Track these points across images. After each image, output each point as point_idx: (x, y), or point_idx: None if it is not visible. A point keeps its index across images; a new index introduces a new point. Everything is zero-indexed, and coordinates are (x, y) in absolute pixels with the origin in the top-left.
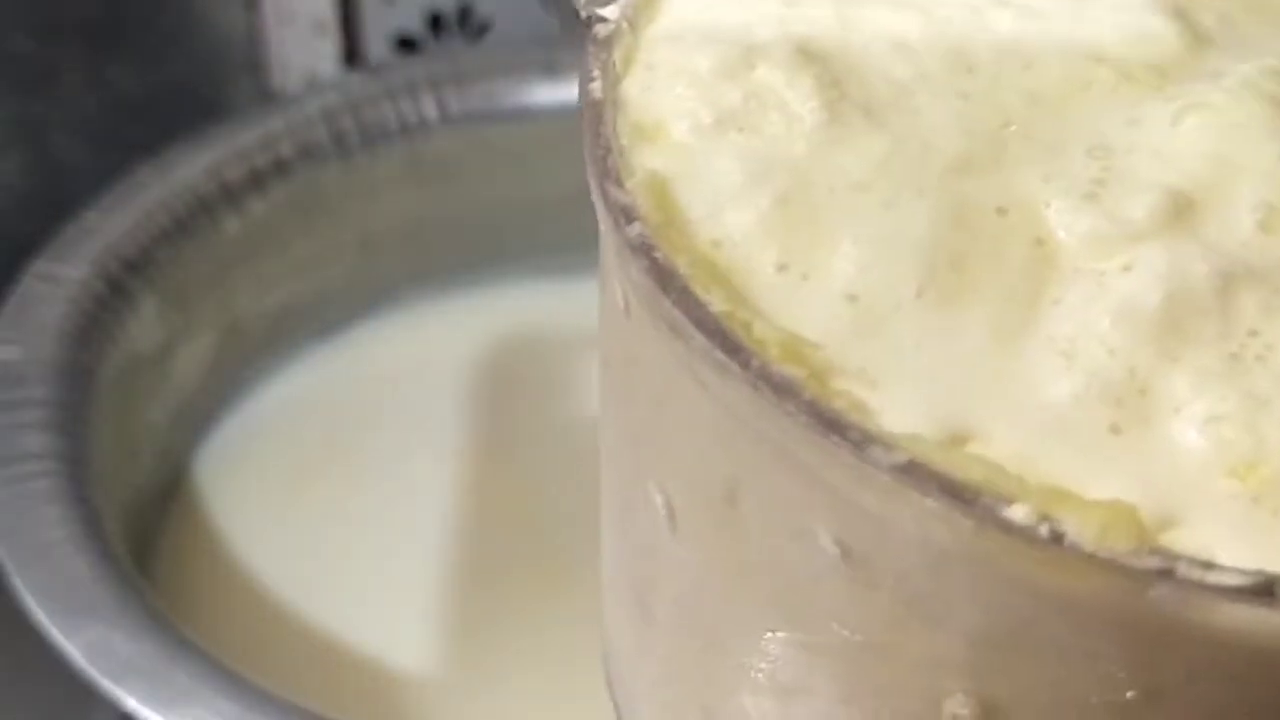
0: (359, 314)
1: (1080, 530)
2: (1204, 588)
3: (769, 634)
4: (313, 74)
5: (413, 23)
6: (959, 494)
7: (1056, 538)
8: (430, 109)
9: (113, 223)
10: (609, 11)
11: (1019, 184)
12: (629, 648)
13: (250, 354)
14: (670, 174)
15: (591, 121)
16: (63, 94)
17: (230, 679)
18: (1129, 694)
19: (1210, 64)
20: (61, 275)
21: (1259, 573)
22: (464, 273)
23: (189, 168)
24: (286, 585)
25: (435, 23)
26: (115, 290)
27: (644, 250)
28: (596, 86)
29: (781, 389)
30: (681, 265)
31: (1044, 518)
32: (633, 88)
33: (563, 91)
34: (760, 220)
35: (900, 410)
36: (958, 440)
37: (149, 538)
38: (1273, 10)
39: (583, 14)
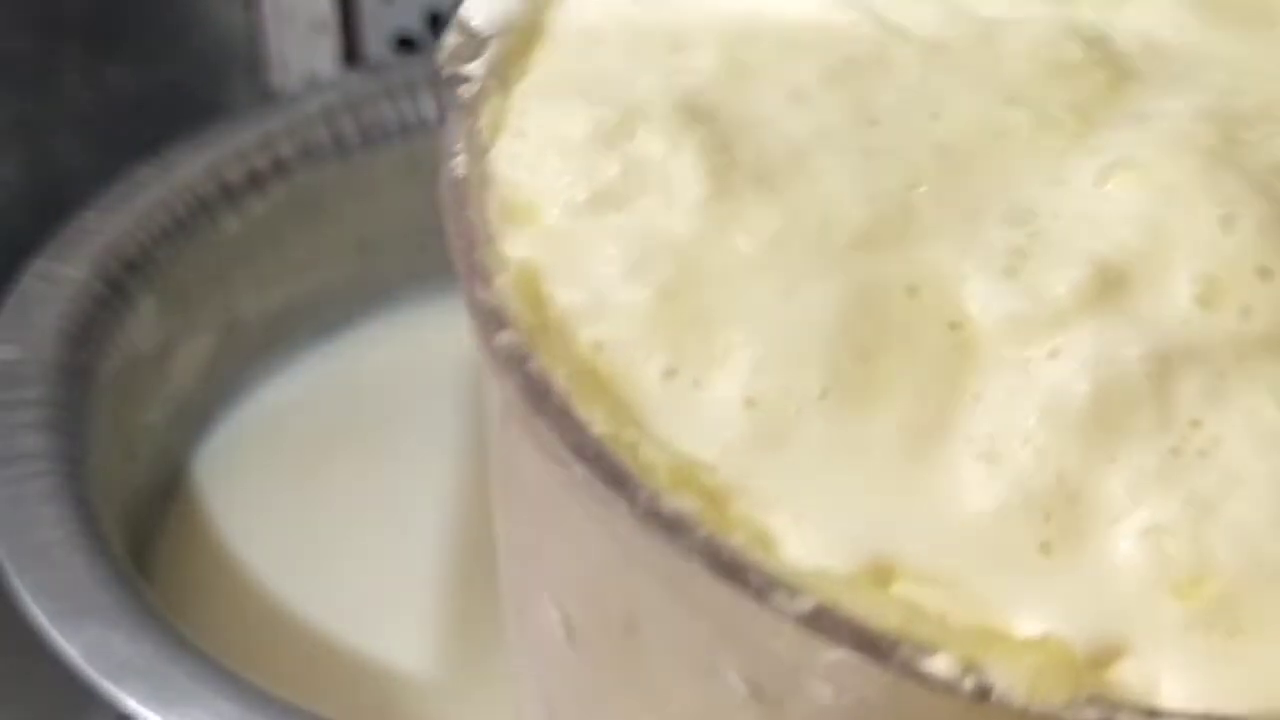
0: (358, 314)
1: (1010, 682)
2: None
3: None
4: (312, 73)
5: (412, 22)
6: (874, 644)
7: (983, 692)
8: (430, 109)
9: (112, 222)
10: (473, 69)
11: (931, 258)
12: None
13: (249, 354)
14: (543, 264)
15: (454, 206)
16: (62, 93)
17: (229, 679)
18: None
19: (1135, 101)
20: (60, 275)
21: (1206, 718)
22: None
23: (188, 167)
24: (286, 585)
25: (435, 22)
26: (114, 290)
27: (516, 363)
28: (459, 163)
29: (673, 526)
30: (559, 378)
31: (969, 668)
32: (501, 159)
33: None
34: (645, 317)
35: (807, 537)
36: (873, 569)
37: (148, 538)
38: (1196, 28)
39: (444, 75)
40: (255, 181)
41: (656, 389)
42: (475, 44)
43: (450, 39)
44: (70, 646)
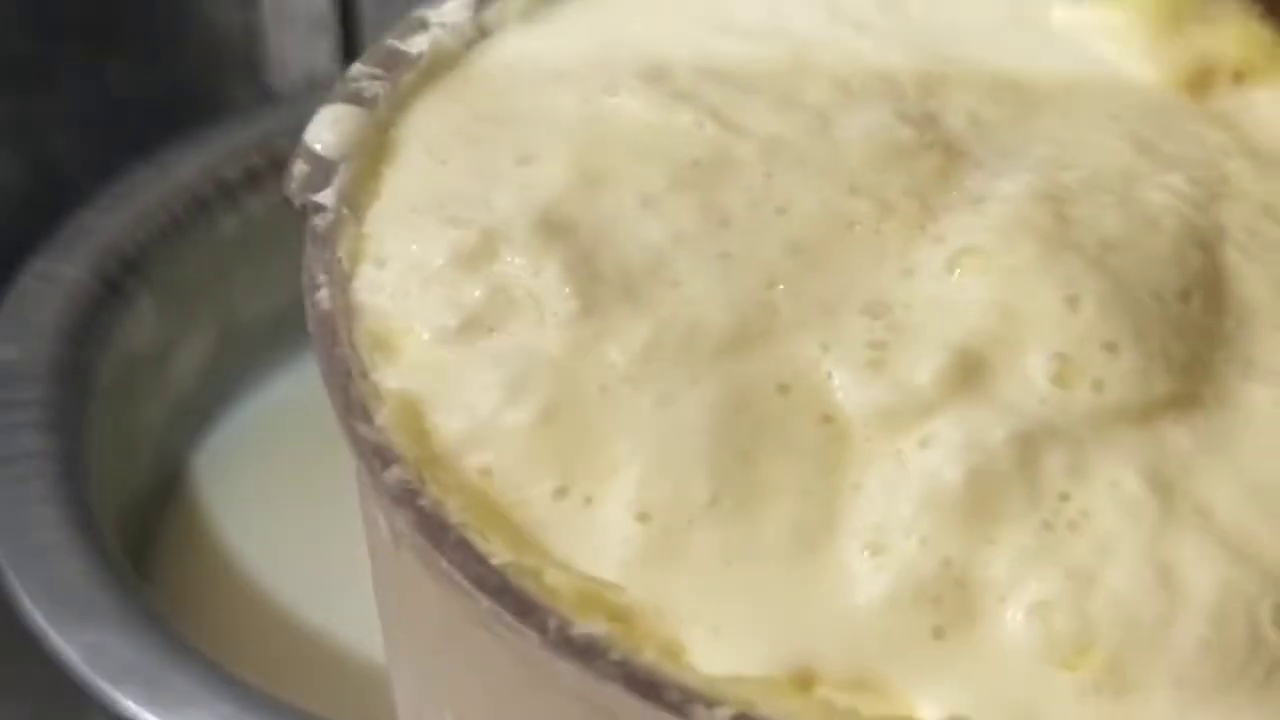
0: None
1: None
2: None
3: None
4: (311, 73)
5: None
6: None
7: None
8: None
9: (110, 222)
10: (325, 197)
11: (797, 355)
12: None
13: (248, 354)
14: (422, 394)
15: (324, 341)
16: (61, 93)
17: (228, 681)
18: None
19: (970, 182)
20: (59, 274)
21: None
22: None
23: (187, 167)
24: (284, 586)
25: None
26: (113, 290)
27: (409, 499)
28: (324, 296)
29: (587, 651)
30: (454, 511)
31: None
32: (365, 290)
33: None
34: (529, 440)
35: (717, 646)
36: (784, 671)
37: (146, 538)
38: (1015, 100)
39: (296, 203)
40: (253, 181)
41: (550, 511)
42: (324, 170)
43: (297, 167)
44: (69, 648)
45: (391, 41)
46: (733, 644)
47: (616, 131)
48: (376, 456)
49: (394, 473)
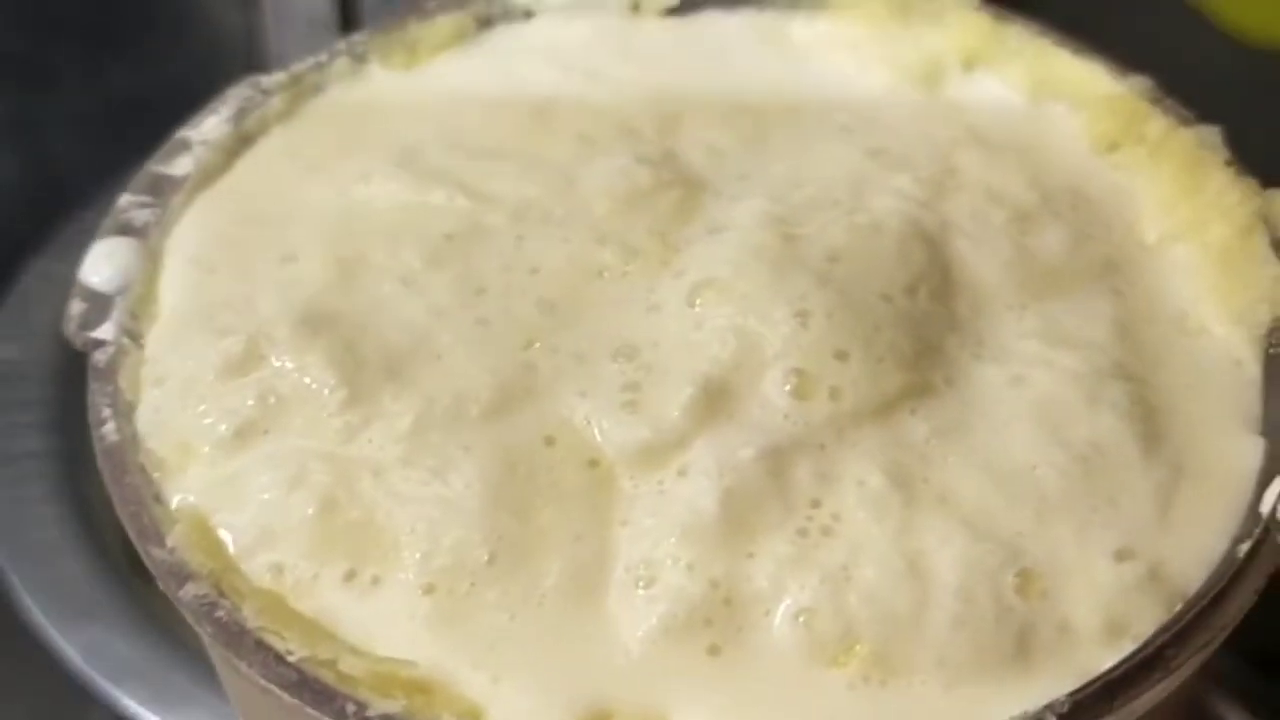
0: None
1: None
2: None
3: None
4: None
5: None
6: None
7: None
8: None
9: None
10: (104, 332)
11: (558, 407)
12: None
13: None
14: (208, 505)
15: (113, 473)
16: (61, 93)
17: None
18: None
19: (709, 213)
20: (59, 274)
21: None
22: None
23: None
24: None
25: None
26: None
27: (205, 614)
28: (109, 430)
29: None
30: (249, 615)
31: None
32: (146, 413)
33: None
34: (311, 531)
35: (513, 703)
36: (579, 713)
37: None
38: (751, 125)
39: (77, 344)
40: None
41: (341, 597)
42: (101, 305)
43: (74, 306)
44: (70, 647)
45: (156, 168)
46: (527, 697)
47: (371, 218)
48: (171, 576)
49: (188, 589)
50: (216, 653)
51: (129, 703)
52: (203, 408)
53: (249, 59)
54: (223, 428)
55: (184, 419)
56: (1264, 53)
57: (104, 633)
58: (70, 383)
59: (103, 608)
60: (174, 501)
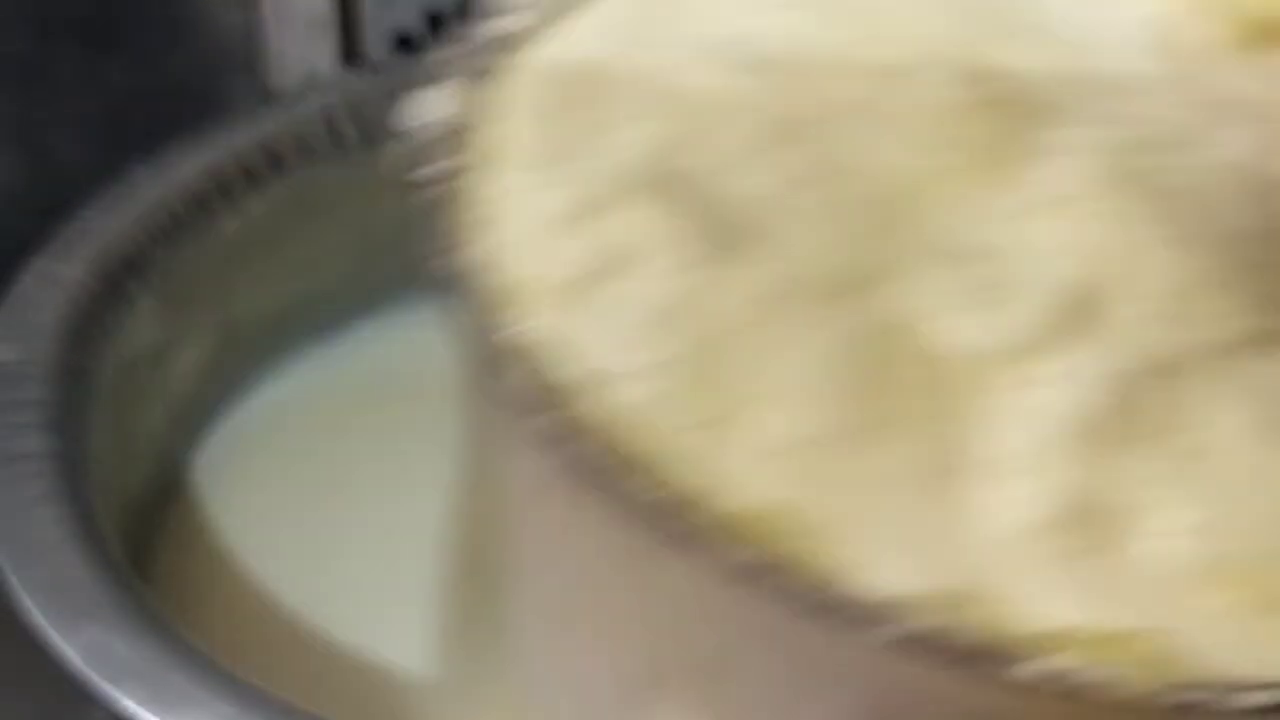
0: (357, 314)
1: (1088, 676)
2: (1234, 713)
3: None
4: (311, 73)
5: (412, 22)
6: (972, 658)
7: (1069, 688)
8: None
9: (110, 222)
10: (443, 167)
11: (911, 297)
12: None
13: (248, 354)
14: (557, 342)
15: (462, 299)
16: (60, 93)
17: (228, 680)
18: None
19: (1045, 137)
20: (59, 275)
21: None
22: None
23: (187, 167)
24: (285, 586)
25: (434, 21)
26: (113, 290)
27: (561, 443)
28: (457, 257)
29: (755, 574)
30: (606, 450)
31: (1052, 672)
32: (494, 249)
33: None
34: (670, 377)
35: (877, 567)
36: (933, 589)
37: (147, 538)
38: (1074, 61)
39: (416, 176)
40: (254, 181)
41: (696, 438)
42: (440, 141)
43: (412, 142)
44: (69, 648)
45: (480, 29)
46: (890, 567)
47: (701, 100)
48: (524, 406)
49: (543, 420)
50: (555, 499)
51: (128, 703)
52: (554, 248)
53: (248, 59)
54: (574, 269)
55: (535, 258)
56: None
57: (103, 633)
58: (69, 383)
59: (102, 608)
60: (523, 337)
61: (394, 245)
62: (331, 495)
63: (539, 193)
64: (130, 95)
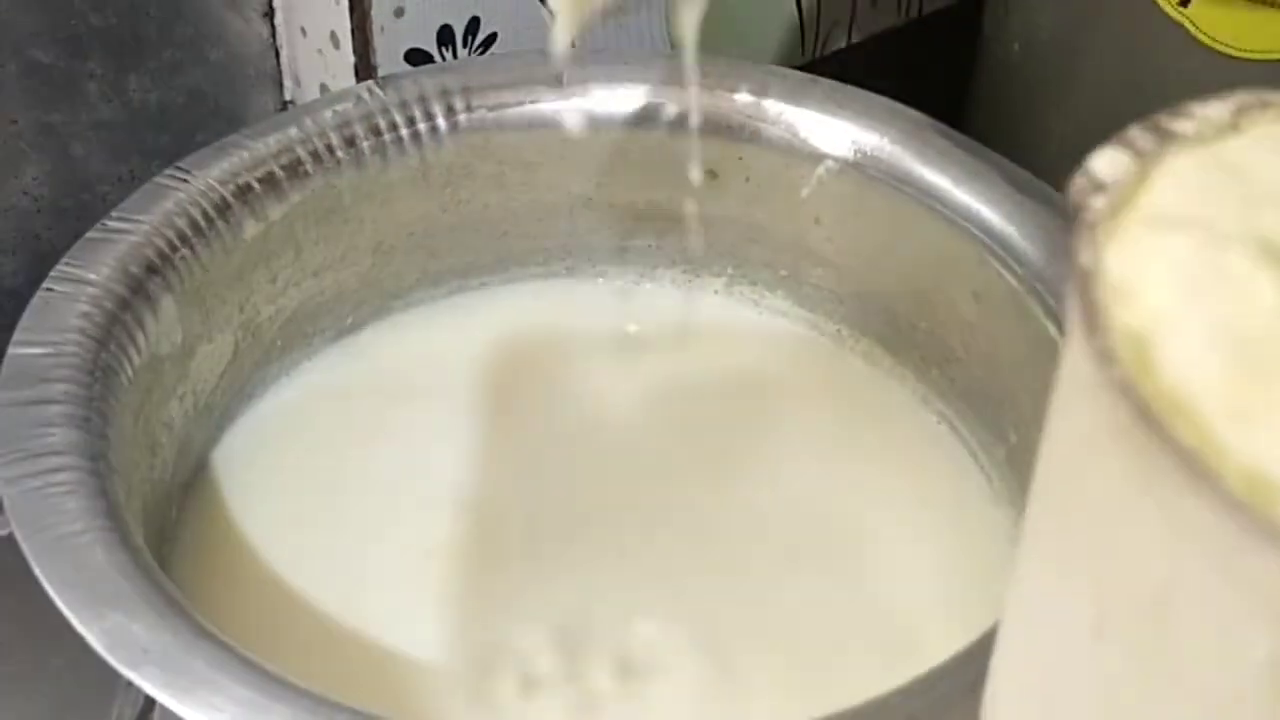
0: (372, 315)
1: None
2: None
3: None
4: (326, 86)
5: (423, 36)
6: None
7: None
8: (441, 119)
9: (133, 227)
10: (1098, 201)
11: None
12: None
13: (267, 353)
14: (1144, 330)
15: (1080, 284)
16: (86, 103)
17: (247, 666)
18: None
19: None
20: (84, 278)
21: None
22: (472, 276)
23: (207, 174)
24: (302, 576)
25: (445, 36)
26: (136, 292)
27: (1126, 391)
28: (1085, 257)
29: (1242, 510)
30: (1155, 404)
31: None
32: (1111, 261)
33: (568, 103)
34: (1220, 368)
35: None
36: None
37: (168, 530)
38: None
39: (1074, 197)
40: (273, 187)
41: (1226, 423)
42: (1098, 186)
43: (1081, 181)
44: (91, 635)
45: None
46: None
47: None
48: (1105, 358)
49: (1117, 371)
50: (1100, 431)
51: (148, 687)
52: (1163, 268)
53: (265, 72)
54: (1172, 286)
55: (1145, 273)
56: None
57: (125, 620)
58: (94, 381)
59: (124, 597)
60: (1117, 317)
61: (407, 249)
62: (346, 488)
63: (1165, 232)
64: (153, 106)
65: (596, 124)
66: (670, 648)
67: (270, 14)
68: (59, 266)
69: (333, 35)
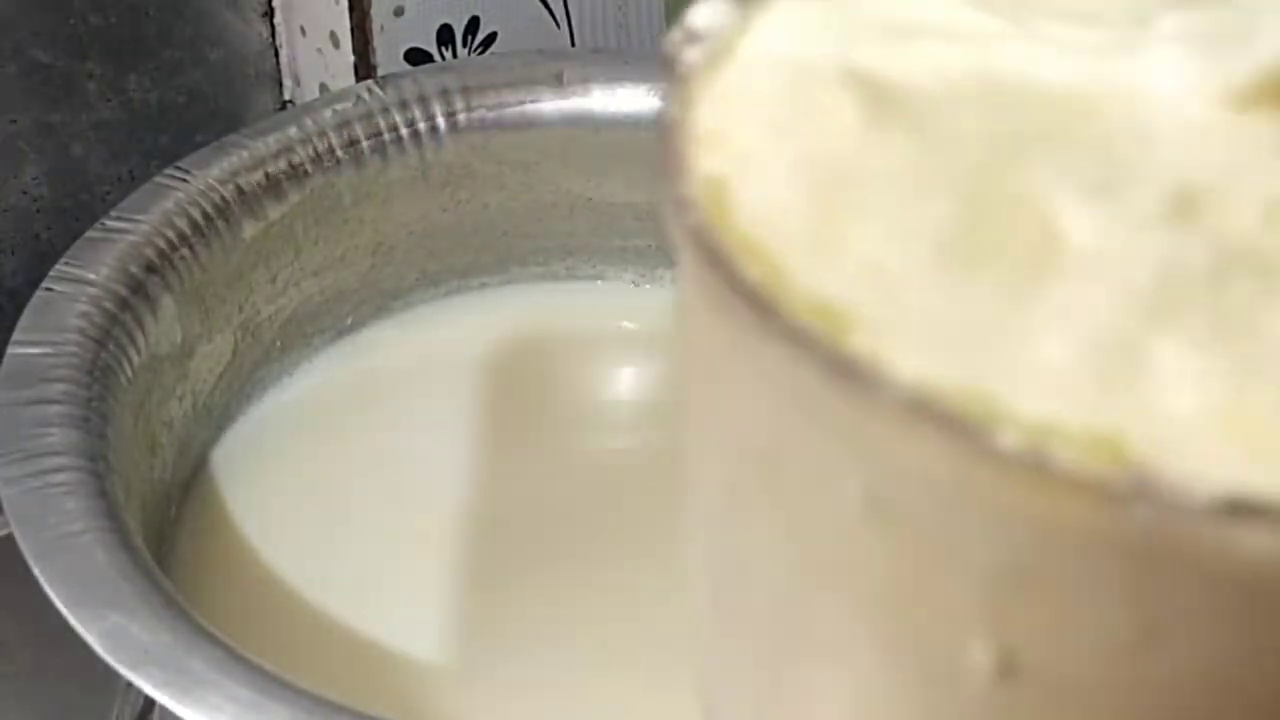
0: (371, 315)
1: (1064, 455)
2: (1183, 507)
3: (811, 596)
4: (326, 86)
5: (423, 36)
6: (957, 426)
7: (1041, 463)
8: (440, 118)
9: (133, 227)
10: (690, 55)
11: (1035, 180)
12: (707, 636)
13: (266, 353)
14: (724, 175)
15: (663, 136)
16: (85, 104)
17: (246, 667)
18: (1129, 633)
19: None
20: (84, 278)
21: (1239, 488)
22: (472, 276)
23: (207, 174)
24: (300, 576)
25: (445, 36)
26: (136, 292)
27: (696, 236)
28: (673, 110)
29: (807, 342)
30: (726, 246)
31: (1031, 447)
32: (702, 111)
33: (568, 102)
34: (796, 202)
35: (913, 364)
36: (967, 390)
37: (167, 530)
38: None
39: (668, 58)
40: (272, 187)
41: (801, 254)
42: (693, 39)
43: (677, 35)
44: (91, 635)
45: None
46: (924, 365)
47: (906, 21)
48: (680, 207)
49: (691, 217)
50: (689, 287)
51: (147, 687)
52: (747, 112)
53: (265, 72)
54: (757, 126)
55: (730, 118)
56: None
57: (125, 620)
58: (93, 381)
59: (123, 596)
60: (699, 166)
61: (406, 249)
62: (345, 488)
63: (755, 75)
64: (152, 106)
65: (597, 124)
66: (671, 648)
67: (270, 14)
68: (58, 266)
69: (332, 35)
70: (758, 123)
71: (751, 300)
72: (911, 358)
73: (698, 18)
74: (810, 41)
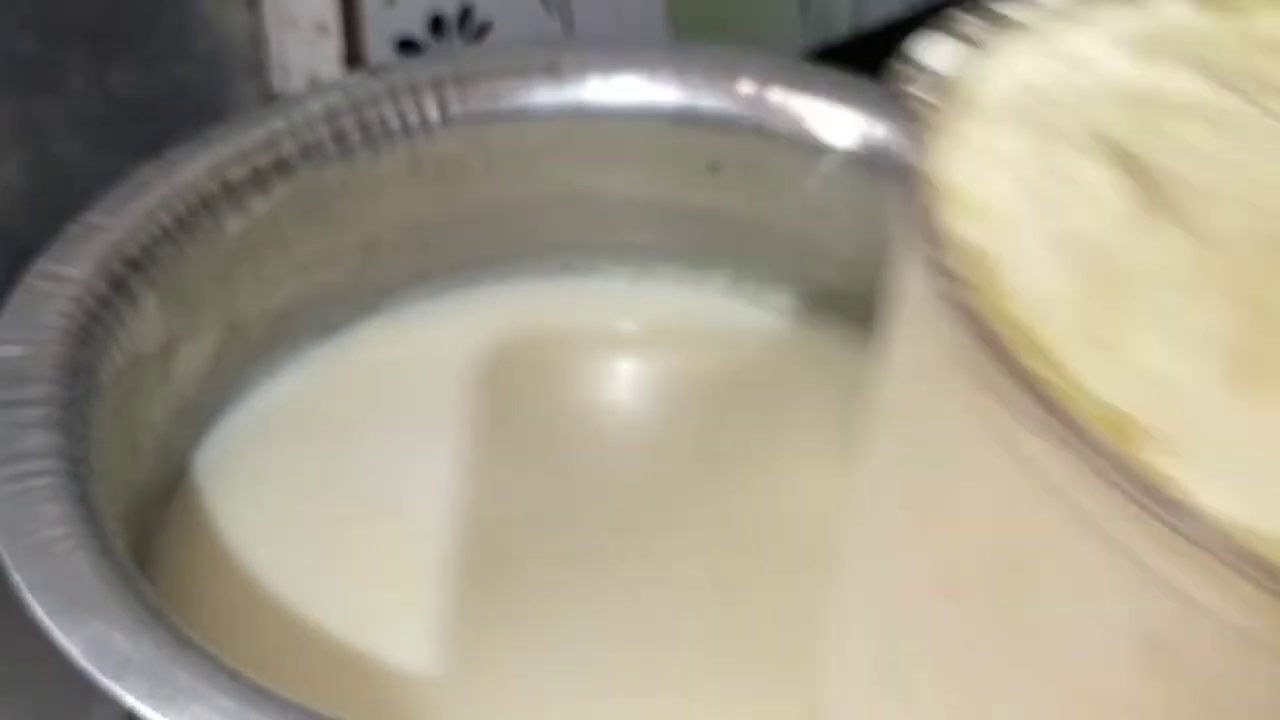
0: (360, 313)
1: None
2: None
3: (1041, 711)
4: (314, 76)
5: (414, 25)
6: (1272, 573)
7: None
8: (432, 110)
9: (115, 222)
10: (932, 98)
11: None
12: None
13: (252, 352)
14: (984, 244)
15: (914, 191)
16: (66, 95)
17: (230, 676)
18: None
19: None
20: (64, 274)
21: None
22: (465, 271)
23: (191, 167)
24: (287, 583)
25: (437, 25)
26: (117, 289)
27: (970, 318)
28: (920, 159)
29: (1104, 453)
30: (1001, 330)
31: None
32: (947, 162)
33: (563, 93)
34: (1070, 292)
35: (1212, 494)
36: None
37: (149, 535)
38: None
39: (910, 101)
40: (258, 181)
41: (1078, 349)
42: (929, 78)
43: (912, 73)
44: (71, 644)
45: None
46: (1224, 497)
47: (1156, 94)
48: (942, 273)
49: (955, 288)
50: (939, 359)
51: (130, 699)
52: (999, 174)
53: (251, 62)
54: (1013, 192)
55: (979, 177)
56: None
57: (106, 629)
58: (74, 381)
59: (105, 604)
60: (955, 229)
61: (396, 245)
62: (332, 492)
63: (1002, 128)
64: (135, 98)
65: (593, 115)
66: (670, 648)
67: (256, 3)
68: (38, 263)
69: (321, 24)
70: (1012, 187)
71: (1038, 397)
72: (1214, 490)
73: (934, 58)
74: (1047, 98)
